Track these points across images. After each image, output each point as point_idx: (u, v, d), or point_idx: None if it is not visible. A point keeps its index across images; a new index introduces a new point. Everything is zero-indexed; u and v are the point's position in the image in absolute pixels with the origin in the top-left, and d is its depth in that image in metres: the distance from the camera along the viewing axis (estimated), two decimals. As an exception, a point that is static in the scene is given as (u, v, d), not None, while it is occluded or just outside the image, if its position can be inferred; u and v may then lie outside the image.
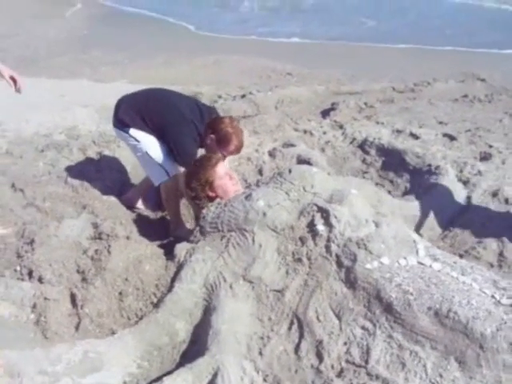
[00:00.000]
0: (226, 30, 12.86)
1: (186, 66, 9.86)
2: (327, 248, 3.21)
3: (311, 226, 3.31)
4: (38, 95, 7.56)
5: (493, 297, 2.85)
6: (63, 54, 10.76)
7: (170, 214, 4.54)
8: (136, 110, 4.31)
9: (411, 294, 2.89)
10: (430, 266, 3.08)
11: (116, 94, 4.85)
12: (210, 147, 4.22)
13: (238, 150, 4.25)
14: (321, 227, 3.26)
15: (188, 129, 4.23)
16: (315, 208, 3.36)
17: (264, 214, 3.37)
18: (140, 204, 4.77)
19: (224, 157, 4.20)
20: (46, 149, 5.58)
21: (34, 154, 5.51)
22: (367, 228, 3.28)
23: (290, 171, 3.65)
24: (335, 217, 3.26)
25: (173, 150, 4.23)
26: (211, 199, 3.87)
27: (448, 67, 9.34)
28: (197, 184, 3.89)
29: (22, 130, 6.24)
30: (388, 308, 2.92)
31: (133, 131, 4.28)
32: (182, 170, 4.28)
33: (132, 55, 10.76)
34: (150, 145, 4.27)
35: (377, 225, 3.32)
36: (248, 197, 3.53)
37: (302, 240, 3.29)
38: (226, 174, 3.95)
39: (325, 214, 3.30)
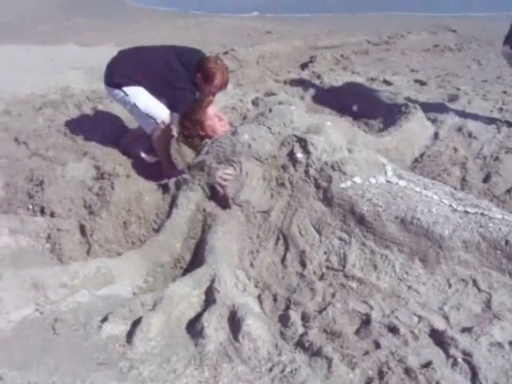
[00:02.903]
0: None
1: (169, 28, 10.12)
2: (306, 172, 3.63)
3: (291, 154, 3.72)
4: (28, 60, 7.86)
5: (450, 206, 3.29)
6: (47, 21, 10.97)
7: (162, 160, 4.86)
8: (134, 75, 4.62)
9: (380, 207, 3.33)
10: (397, 184, 3.51)
11: (103, 56, 5.20)
12: (199, 86, 4.59)
13: (223, 85, 4.63)
14: (300, 155, 3.68)
15: (186, 88, 4.56)
16: (294, 138, 3.77)
17: (249, 146, 3.78)
18: (135, 150, 5.10)
19: (213, 94, 4.58)
20: (43, 106, 5.89)
21: (32, 111, 5.81)
22: (341, 153, 3.70)
23: (270, 110, 4.07)
24: (312, 144, 3.67)
25: (175, 105, 4.59)
26: (202, 138, 4.26)
27: (420, 23, 9.68)
28: (189, 124, 4.29)
29: (17, 91, 6.50)
30: (361, 220, 3.37)
31: (126, 88, 4.62)
32: (168, 115, 4.62)
33: (115, 21, 10.97)
34: (137, 94, 4.60)
35: (350, 151, 3.75)
36: (234, 133, 3.94)
37: (284, 167, 3.70)
38: (215, 115, 4.36)
39: (303, 142, 3.71)
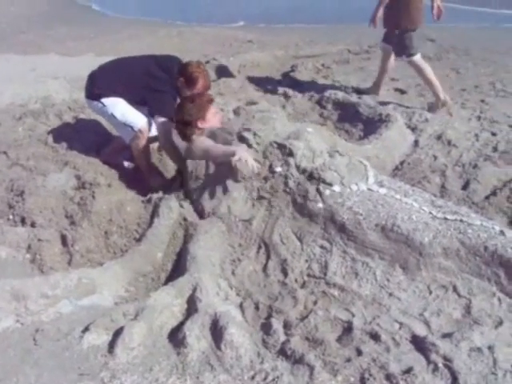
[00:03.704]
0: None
1: (151, 38, 10.13)
2: (286, 183, 3.64)
3: (272, 167, 3.72)
4: (8, 70, 7.82)
5: (430, 213, 3.33)
6: (28, 30, 10.94)
7: (142, 169, 4.86)
8: (114, 84, 4.61)
9: (361, 215, 3.37)
10: (377, 191, 3.55)
11: (85, 66, 5.22)
12: (181, 89, 4.59)
13: (206, 89, 4.61)
14: (279, 169, 3.68)
15: (167, 92, 4.56)
16: (275, 145, 3.77)
17: (231, 157, 3.79)
18: (118, 160, 5.08)
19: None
20: (24, 116, 5.84)
21: (12, 121, 5.76)
22: (322, 158, 3.71)
23: (253, 117, 4.08)
24: (292, 150, 3.68)
25: (157, 109, 4.58)
26: (199, 130, 4.18)
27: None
28: (193, 108, 4.16)
29: (-3, 101, 6.48)
30: (342, 228, 3.40)
31: (104, 99, 4.62)
32: (146, 123, 4.62)
33: (96, 30, 10.96)
34: (114, 104, 4.60)
35: (331, 155, 3.76)
36: (215, 144, 3.95)
37: (265, 178, 3.70)
38: (216, 111, 4.37)
39: (283, 149, 3.73)
